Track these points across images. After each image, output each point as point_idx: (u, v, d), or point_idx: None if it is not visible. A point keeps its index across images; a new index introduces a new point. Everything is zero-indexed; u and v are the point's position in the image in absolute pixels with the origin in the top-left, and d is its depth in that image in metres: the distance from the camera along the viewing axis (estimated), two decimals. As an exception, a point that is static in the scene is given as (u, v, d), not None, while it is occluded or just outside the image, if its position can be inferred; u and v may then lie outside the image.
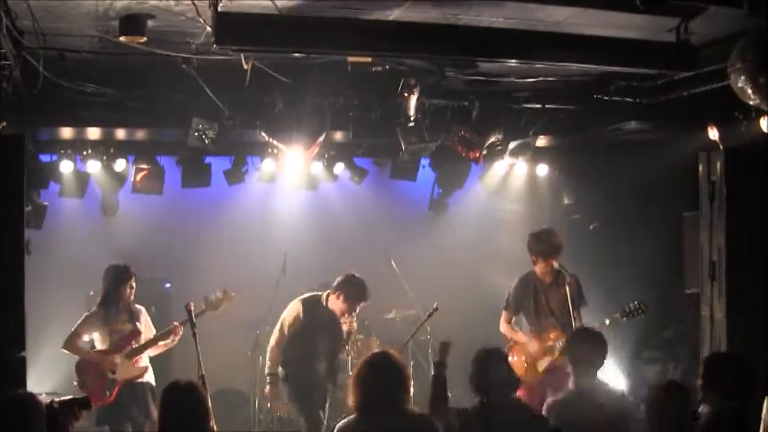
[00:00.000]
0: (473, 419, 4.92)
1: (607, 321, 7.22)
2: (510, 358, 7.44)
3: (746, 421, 4.43)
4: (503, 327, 7.67)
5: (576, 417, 5.14)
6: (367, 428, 4.59)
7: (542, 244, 7.50)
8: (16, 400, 4.38)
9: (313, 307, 7.28)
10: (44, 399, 4.55)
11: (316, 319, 7.24)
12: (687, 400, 4.57)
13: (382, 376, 4.64)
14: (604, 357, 5.49)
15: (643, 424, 4.63)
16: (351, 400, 4.70)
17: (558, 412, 5.23)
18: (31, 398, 4.40)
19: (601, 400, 5.29)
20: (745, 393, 4.62)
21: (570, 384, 5.53)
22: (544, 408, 5.37)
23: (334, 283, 7.26)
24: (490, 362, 5.11)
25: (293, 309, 7.34)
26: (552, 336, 7.37)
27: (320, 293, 7.37)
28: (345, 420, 4.72)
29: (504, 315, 7.68)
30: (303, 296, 7.42)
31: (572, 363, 5.51)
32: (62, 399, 4.60)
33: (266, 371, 7.37)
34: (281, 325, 7.33)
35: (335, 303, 7.23)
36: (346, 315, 7.22)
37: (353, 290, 7.18)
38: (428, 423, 4.71)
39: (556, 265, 7.49)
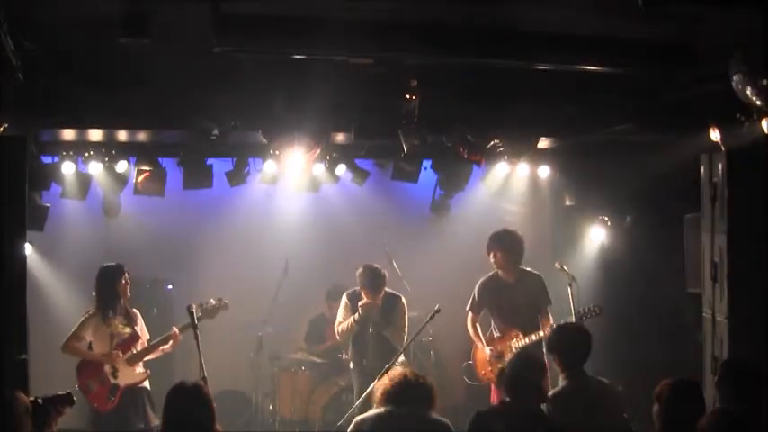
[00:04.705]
0: (491, 419, 4.96)
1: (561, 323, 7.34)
2: (472, 359, 7.98)
3: (751, 423, 4.41)
4: (469, 327, 7.94)
5: (570, 411, 5.18)
6: (387, 423, 4.75)
7: (496, 241, 7.79)
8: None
9: (355, 298, 7.71)
10: None
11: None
12: (700, 398, 4.58)
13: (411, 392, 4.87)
14: (589, 348, 5.48)
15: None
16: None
17: (551, 407, 5.25)
18: (15, 395, 4.42)
19: (594, 393, 5.32)
20: (750, 395, 4.61)
21: (561, 380, 5.52)
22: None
23: None
24: (521, 366, 5.19)
25: (341, 302, 7.85)
26: (513, 335, 7.64)
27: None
28: (366, 414, 4.96)
29: (470, 316, 7.94)
30: (347, 291, 7.89)
31: (557, 357, 5.48)
32: (45, 395, 4.65)
33: None
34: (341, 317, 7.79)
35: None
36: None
37: (361, 279, 7.62)
38: (446, 427, 4.86)
39: (559, 266, 7.63)
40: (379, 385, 5.04)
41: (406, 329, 7.64)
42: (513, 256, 7.73)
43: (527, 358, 5.36)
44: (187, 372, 6.94)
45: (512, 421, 4.89)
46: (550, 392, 5.40)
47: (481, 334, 7.88)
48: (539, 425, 4.95)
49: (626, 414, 5.42)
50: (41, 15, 5.41)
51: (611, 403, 5.38)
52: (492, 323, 7.90)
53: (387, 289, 7.69)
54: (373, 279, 7.56)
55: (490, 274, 7.90)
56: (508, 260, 7.73)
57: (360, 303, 7.58)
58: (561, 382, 5.42)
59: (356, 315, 7.60)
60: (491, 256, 7.79)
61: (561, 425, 5.13)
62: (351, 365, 7.89)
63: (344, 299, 7.82)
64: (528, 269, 7.83)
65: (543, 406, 5.24)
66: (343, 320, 7.75)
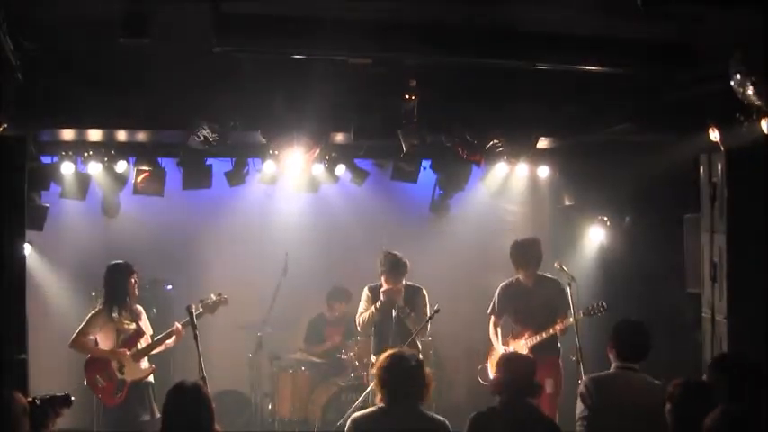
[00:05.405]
0: (488, 420, 4.96)
1: (571, 320, 7.37)
2: (488, 361, 7.98)
3: (751, 423, 4.41)
4: (490, 330, 7.96)
5: (605, 396, 5.23)
6: (386, 422, 4.75)
7: (524, 254, 7.82)
8: None
9: (376, 291, 7.71)
10: None
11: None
12: (710, 398, 4.58)
13: (406, 369, 4.83)
14: (644, 348, 5.46)
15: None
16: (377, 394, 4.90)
17: (592, 388, 5.29)
18: (13, 395, 4.42)
19: (638, 384, 5.33)
20: (749, 394, 4.61)
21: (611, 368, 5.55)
22: (580, 383, 5.44)
23: None
24: (509, 365, 5.19)
25: (363, 295, 7.84)
26: (525, 335, 7.68)
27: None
28: (364, 411, 4.95)
29: (491, 320, 7.98)
30: (369, 285, 7.86)
31: (613, 350, 5.47)
32: (43, 396, 4.66)
33: None
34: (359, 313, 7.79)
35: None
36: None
37: (383, 266, 7.61)
38: (444, 426, 4.85)
39: (558, 266, 7.67)
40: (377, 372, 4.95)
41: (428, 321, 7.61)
42: (533, 261, 7.80)
43: (513, 356, 5.36)
44: (186, 371, 6.95)
45: (509, 421, 4.89)
46: (593, 375, 5.50)
47: (501, 337, 7.90)
48: (536, 423, 4.95)
49: None
50: (41, 15, 5.41)
51: (656, 401, 5.37)
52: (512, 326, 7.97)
53: (408, 282, 7.67)
54: (394, 264, 7.56)
55: (511, 279, 7.95)
56: (528, 267, 7.79)
57: (382, 290, 7.57)
58: (610, 370, 5.48)
59: (378, 303, 7.57)
60: (515, 264, 7.84)
61: (558, 425, 5.15)
62: (372, 358, 7.63)
63: (366, 291, 7.82)
64: (547, 275, 7.89)
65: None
66: (364, 311, 7.74)
